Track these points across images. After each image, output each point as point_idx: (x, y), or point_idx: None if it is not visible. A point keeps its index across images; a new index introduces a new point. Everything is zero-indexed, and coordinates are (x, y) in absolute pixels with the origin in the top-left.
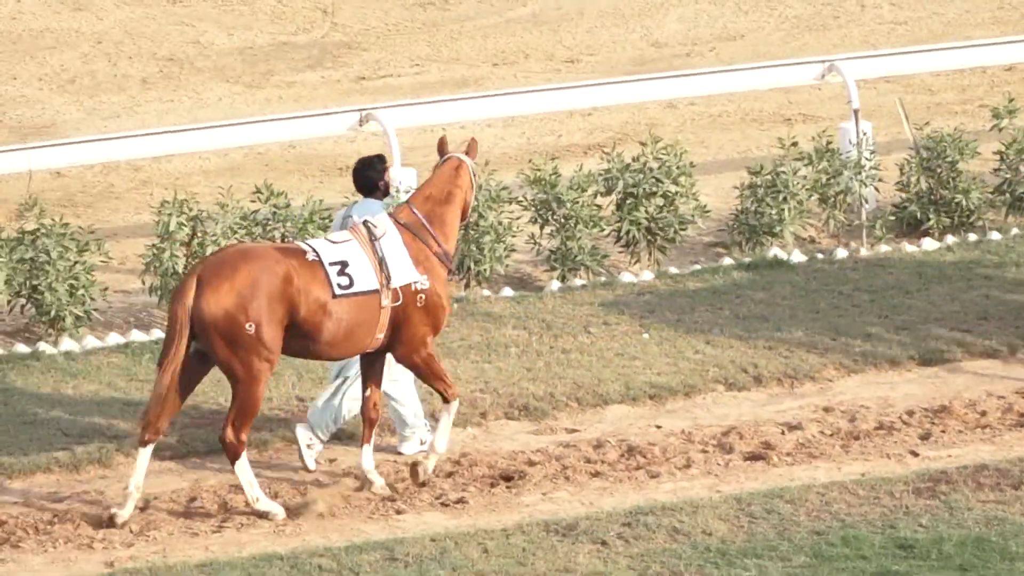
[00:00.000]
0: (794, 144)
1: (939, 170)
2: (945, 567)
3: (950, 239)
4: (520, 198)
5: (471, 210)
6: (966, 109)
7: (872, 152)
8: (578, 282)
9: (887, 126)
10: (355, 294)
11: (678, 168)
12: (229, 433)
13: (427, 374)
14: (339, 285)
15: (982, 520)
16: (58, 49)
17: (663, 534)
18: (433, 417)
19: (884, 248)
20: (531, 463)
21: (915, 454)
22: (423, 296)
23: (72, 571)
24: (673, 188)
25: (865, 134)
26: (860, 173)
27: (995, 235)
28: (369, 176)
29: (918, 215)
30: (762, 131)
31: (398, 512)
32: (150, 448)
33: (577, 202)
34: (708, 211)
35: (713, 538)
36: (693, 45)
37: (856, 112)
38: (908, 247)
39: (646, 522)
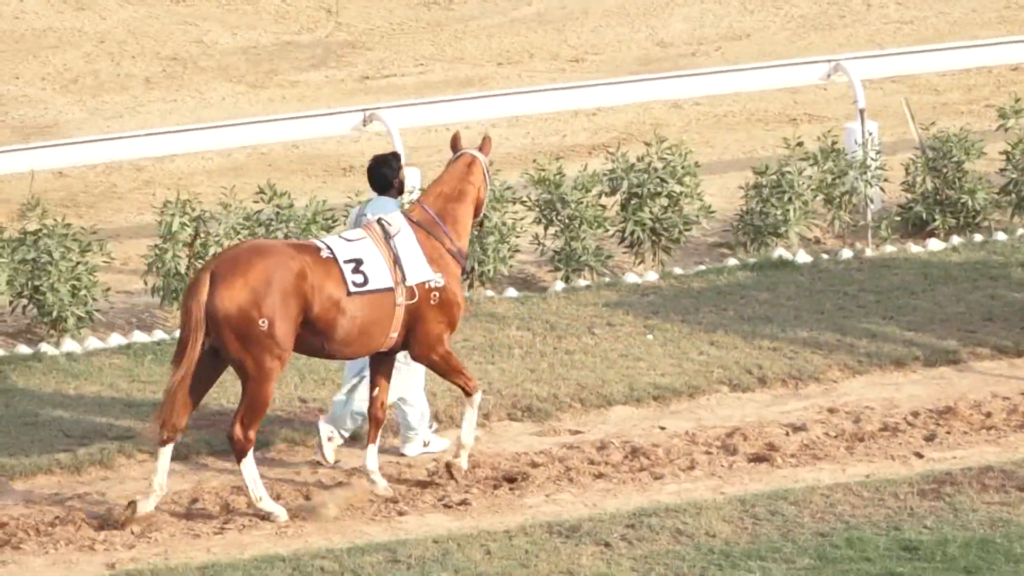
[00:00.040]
0: (799, 144)
1: (945, 170)
2: (950, 569)
3: (956, 239)
4: (524, 198)
5: (485, 207)
6: (972, 109)
7: (878, 152)
8: (582, 283)
9: (893, 126)
10: (370, 292)
11: (683, 168)
12: (237, 430)
13: (446, 370)
14: (354, 283)
15: (987, 522)
16: (61, 49)
17: (667, 536)
18: (436, 419)
19: (889, 248)
20: (534, 464)
21: (920, 455)
22: (437, 294)
23: (73, 573)
24: (678, 188)
25: (871, 134)
26: (865, 173)
27: (1001, 236)
28: (384, 174)
29: (924, 215)
30: (767, 131)
31: (400, 513)
32: (170, 447)
33: (581, 202)
34: (713, 211)
35: (717, 540)
36: (698, 45)
37: (862, 112)
38: (913, 247)
39: (650, 524)
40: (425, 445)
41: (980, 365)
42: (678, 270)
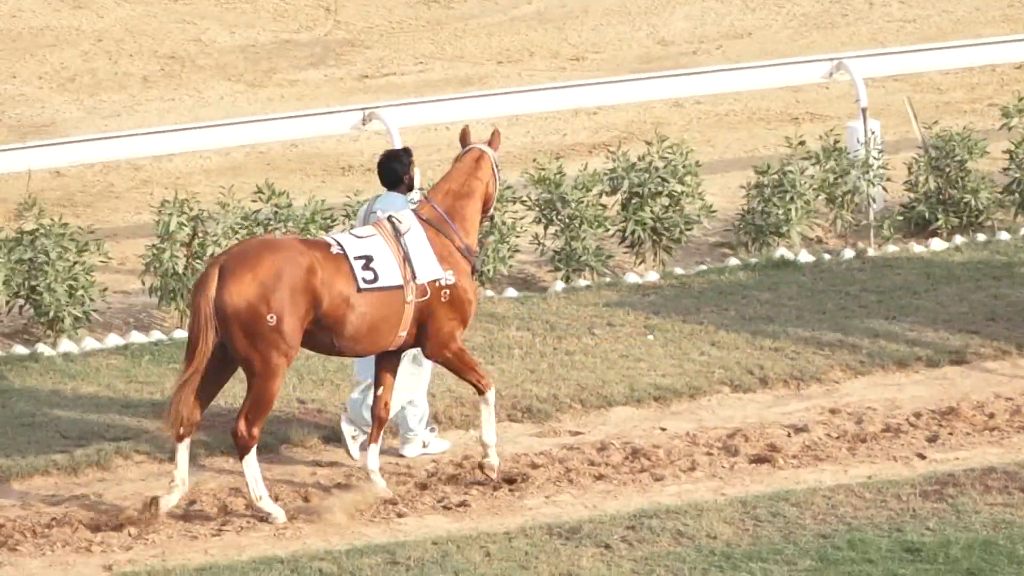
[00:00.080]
0: (801, 143)
1: (948, 169)
2: (952, 571)
3: (958, 239)
4: (524, 198)
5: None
6: (975, 108)
7: (880, 151)
8: (582, 283)
9: (895, 125)
10: (380, 289)
11: (684, 167)
12: (242, 426)
13: (459, 367)
14: (364, 279)
15: (990, 523)
16: (58, 47)
17: (667, 537)
18: (435, 420)
19: (892, 248)
20: (534, 465)
21: (922, 457)
22: (448, 291)
23: (70, 575)
24: (679, 188)
25: (873, 133)
26: (868, 172)
27: (1004, 235)
28: (394, 169)
29: (926, 215)
30: (769, 130)
31: (399, 515)
32: (187, 442)
33: (582, 202)
34: (714, 211)
35: (718, 541)
36: (700, 43)
37: (864, 111)
38: (916, 247)
39: (650, 525)
40: (424, 446)
41: (983, 366)
42: (679, 270)
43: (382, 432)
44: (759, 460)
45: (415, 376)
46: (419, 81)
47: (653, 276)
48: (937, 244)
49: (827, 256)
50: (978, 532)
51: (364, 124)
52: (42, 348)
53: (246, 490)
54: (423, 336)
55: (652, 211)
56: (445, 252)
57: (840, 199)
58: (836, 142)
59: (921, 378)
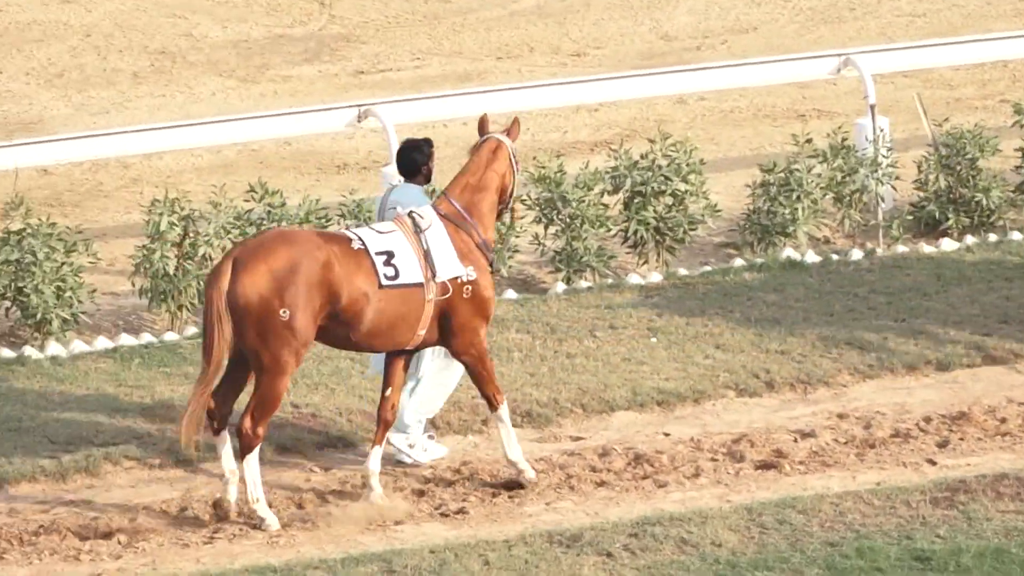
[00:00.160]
0: (808, 141)
1: (958, 168)
2: None
3: (970, 239)
4: (524, 197)
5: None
6: (987, 104)
7: (889, 149)
8: (584, 284)
9: (905, 122)
10: (401, 286)
11: (688, 166)
12: (247, 424)
13: (481, 373)
14: (385, 275)
15: (1001, 531)
16: (45, 42)
17: (671, 545)
18: (433, 426)
19: (901, 249)
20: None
21: (932, 462)
22: (470, 288)
23: None
24: (683, 186)
25: (882, 130)
26: (876, 171)
27: (1016, 235)
28: (414, 159)
29: (936, 214)
30: (775, 127)
31: (396, 523)
32: (224, 434)
33: (583, 201)
34: (719, 210)
35: (723, 550)
36: (704, 38)
37: (873, 107)
38: (926, 248)
39: (653, 533)
40: (411, 447)
41: (995, 369)
42: (683, 271)
43: (386, 435)
44: (765, 466)
45: (446, 371)
46: (416, 77)
47: (656, 277)
48: (948, 244)
49: (835, 257)
50: (990, 540)
51: (360, 121)
52: (29, 351)
53: (243, 488)
54: (448, 334)
55: (655, 210)
56: (465, 249)
57: (848, 198)
58: (844, 140)
59: (931, 382)
